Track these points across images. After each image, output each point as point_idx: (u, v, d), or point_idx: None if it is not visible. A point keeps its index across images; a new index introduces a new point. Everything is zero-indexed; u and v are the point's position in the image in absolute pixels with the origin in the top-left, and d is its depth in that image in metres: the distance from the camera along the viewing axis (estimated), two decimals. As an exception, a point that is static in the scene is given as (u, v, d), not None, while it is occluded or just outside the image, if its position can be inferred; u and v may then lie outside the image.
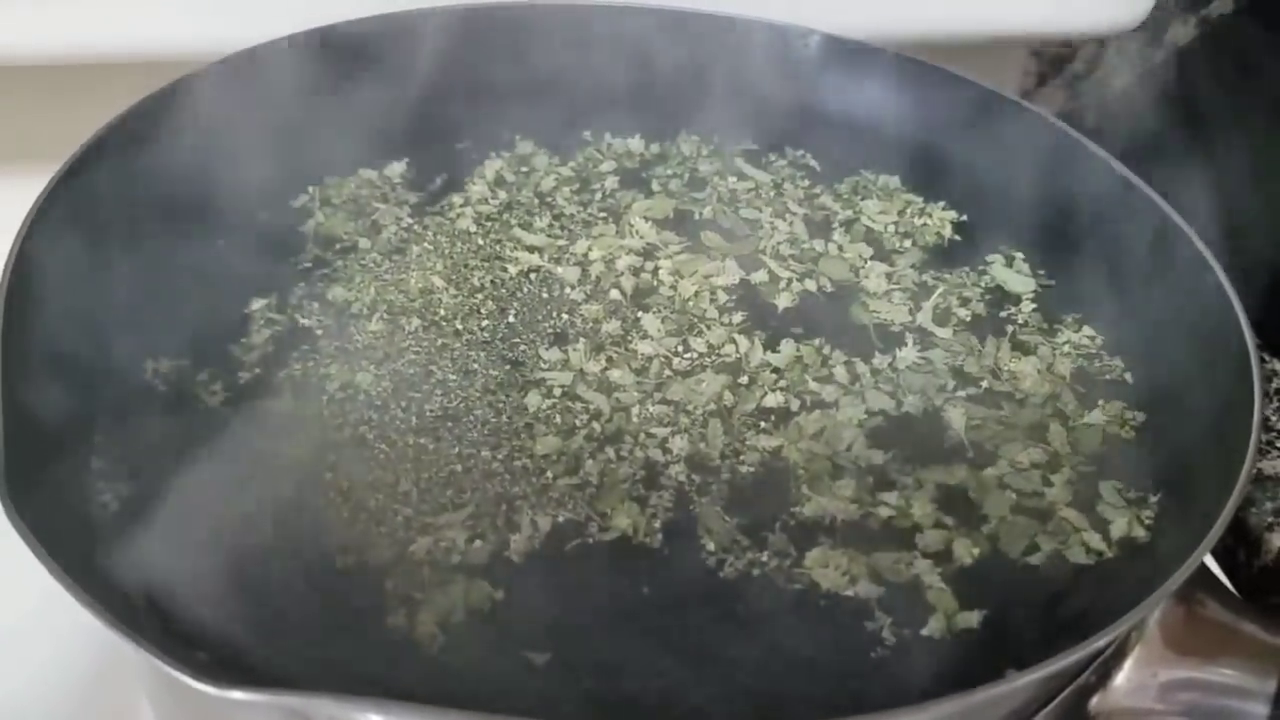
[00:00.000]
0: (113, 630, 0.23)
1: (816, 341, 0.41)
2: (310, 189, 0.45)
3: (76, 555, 0.25)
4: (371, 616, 0.31)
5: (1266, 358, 0.60)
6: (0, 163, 0.53)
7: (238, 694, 0.22)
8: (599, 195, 0.48)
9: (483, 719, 0.23)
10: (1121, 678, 0.30)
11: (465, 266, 0.43)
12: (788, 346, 0.41)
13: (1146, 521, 0.35)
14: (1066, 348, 0.42)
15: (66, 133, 0.38)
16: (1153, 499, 0.36)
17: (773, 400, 0.39)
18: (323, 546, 0.32)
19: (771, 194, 0.49)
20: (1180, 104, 0.70)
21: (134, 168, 0.39)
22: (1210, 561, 0.48)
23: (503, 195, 0.47)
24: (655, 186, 0.48)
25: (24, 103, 0.53)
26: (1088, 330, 0.43)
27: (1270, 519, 0.51)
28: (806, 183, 0.49)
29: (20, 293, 0.31)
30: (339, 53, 0.46)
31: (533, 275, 0.43)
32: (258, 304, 0.40)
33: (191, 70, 0.42)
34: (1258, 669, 0.30)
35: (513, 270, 0.43)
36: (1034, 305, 0.44)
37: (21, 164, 0.43)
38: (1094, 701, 0.30)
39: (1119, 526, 0.35)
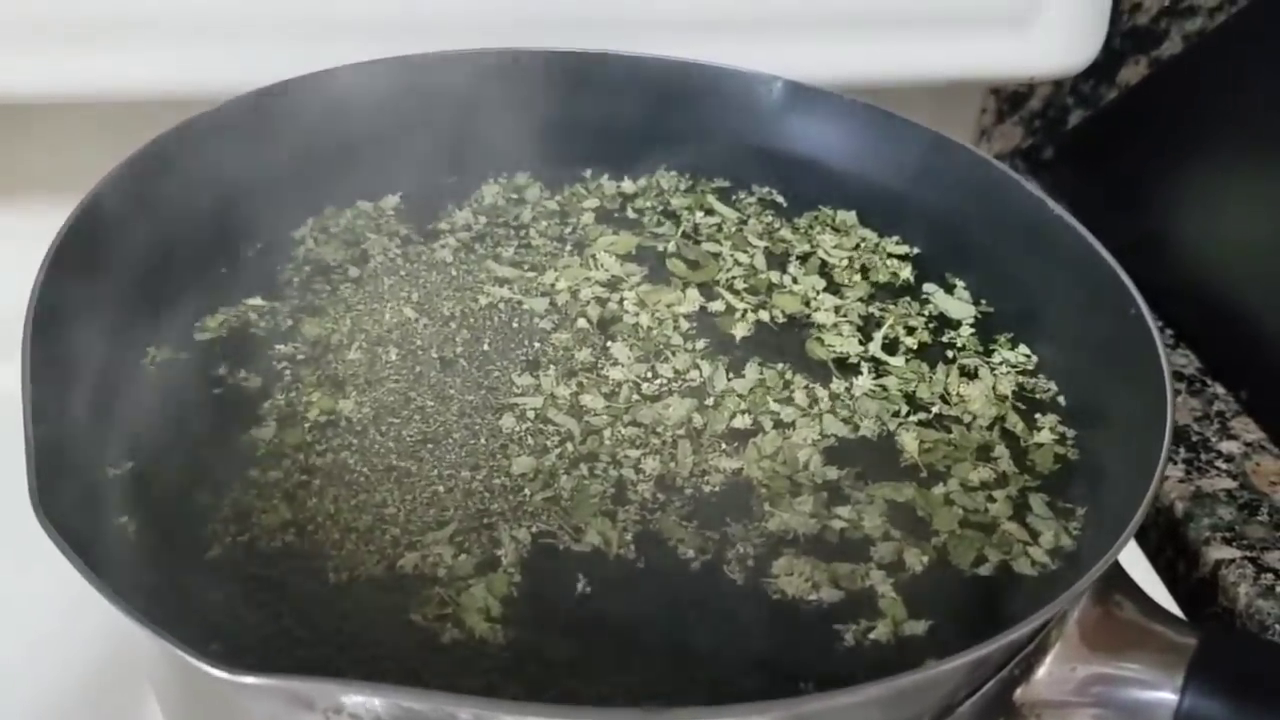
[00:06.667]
0: (138, 624, 0.27)
1: (780, 366, 0.45)
2: (310, 219, 0.50)
3: (100, 561, 0.29)
4: (364, 624, 0.35)
5: (1209, 381, 0.65)
6: (23, 195, 0.60)
7: (249, 679, 0.26)
8: (570, 229, 0.52)
9: (469, 701, 0.27)
10: (1043, 671, 0.34)
11: (437, 297, 0.47)
12: (752, 370, 0.45)
13: (1074, 532, 0.40)
14: (1004, 368, 0.47)
15: (84, 168, 0.43)
16: (1080, 511, 0.40)
17: (740, 422, 0.43)
18: (315, 564, 0.36)
19: (734, 229, 0.53)
20: (1132, 141, 0.76)
21: (147, 201, 0.44)
22: (1150, 573, 0.53)
23: (484, 222, 0.52)
24: (631, 215, 0.54)
25: (48, 139, 0.60)
26: (1023, 349, 0.48)
27: (1208, 533, 0.56)
28: (769, 217, 0.54)
29: (43, 321, 0.36)
30: (349, 91, 0.51)
31: (502, 305, 0.47)
32: (247, 328, 0.45)
33: (205, 108, 0.47)
34: (1165, 663, 0.34)
35: (483, 301, 0.47)
36: (972, 330, 0.49)
37: (42, 197, 0.48)
38: (1018, 692, 0.34)
39: (1047, 538, 0.40)
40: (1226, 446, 0.61)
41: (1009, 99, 0.81)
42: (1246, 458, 0.61)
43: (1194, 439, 0.62)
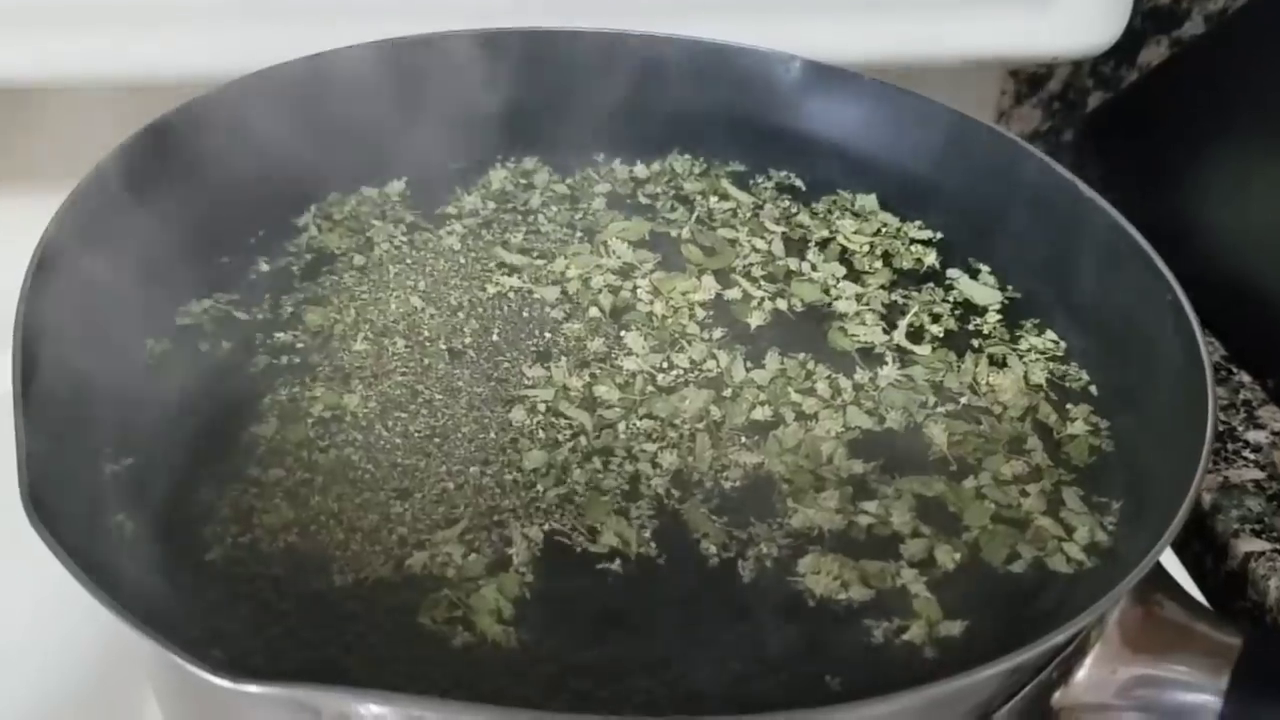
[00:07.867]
0: (136, 629, 0.26)
1: (801, 356, 0.44)
2: (313, 206, 0.49)
3: (96, 562, 0.28)
4: (371, 627, 0.33)
5: (1234, 370, 0.64)
6: (24, 180, 0.59)
7: (253, 687, 0.24)
8: (580, 215, 0.51)
9: (485, 711, 0.25)
10: (1082, 674, 0.33)
11: (444, 285, 0.46)
12: (772, 360, 0.44)
13: (1109, 527, 0.38)
14: (1033, 355, 0.45)
15: (84, 153, 0.41)
16: (1115, 505, 0.39)
17: (759, 414, 0.41)
18: (319, 565, 0.35)
19: (749, 214, 0.52)
20: (1152, 124, 0.74)
21: (144, 188, 0.42)
22: (1177, 567, 0.52)
23: (492, 208, 0.50)
24: (643, 201, 0.52)
25: (48, 125, 0.60)
26: (1050, 335, 0.46)
27: (1236, 525, 0.54)
28: (786, 202, 0.52)
29: (36, 311, 0.34)
30: (352, 73, 0.49)
31: (512, 294, 0.46)
32: (245, 318, 0.43)
33: (202, 92, 0.46)
34: (1209, 665, 0.33)
35: (491, 290, 0.46)
36: (999, 316, 0.47)
37: (43, 183, 0.46)
38: (1056, 696, 0.33)
39: (1082, 534, 0.38)
40: (1254, 436, 0.60)
41: (1028, 80, 0.79)
42: (1275, 447, 0.59)
43: (1220, 428, 0.60)
